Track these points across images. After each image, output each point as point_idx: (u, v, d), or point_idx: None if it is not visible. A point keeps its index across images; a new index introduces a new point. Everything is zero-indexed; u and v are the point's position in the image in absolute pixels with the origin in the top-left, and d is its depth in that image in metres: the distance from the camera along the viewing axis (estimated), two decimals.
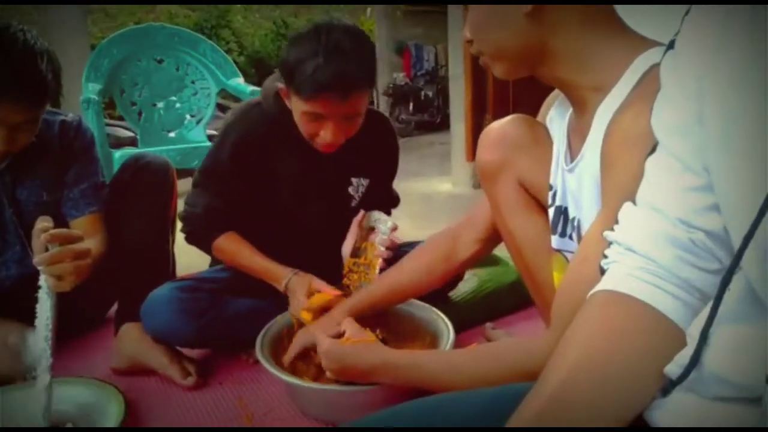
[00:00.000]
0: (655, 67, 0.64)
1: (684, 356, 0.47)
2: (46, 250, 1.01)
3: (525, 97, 3.21)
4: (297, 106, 1.20)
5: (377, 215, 1.33)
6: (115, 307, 1.52)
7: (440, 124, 7.39)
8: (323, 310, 1.20)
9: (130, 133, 4.22)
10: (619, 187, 0.64)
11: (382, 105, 7.55)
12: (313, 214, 1.38)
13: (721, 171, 0.45)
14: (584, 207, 0.75)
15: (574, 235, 0.79)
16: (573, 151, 0.78)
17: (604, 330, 0.50)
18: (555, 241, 0.83)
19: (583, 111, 0.75)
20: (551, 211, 0.84)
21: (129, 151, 2.57)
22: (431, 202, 3.16)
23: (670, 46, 0.52)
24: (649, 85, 0.65)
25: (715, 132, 0.44)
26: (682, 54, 0.49)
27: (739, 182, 0.43)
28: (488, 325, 1.44)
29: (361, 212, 1.33)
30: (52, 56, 1.16)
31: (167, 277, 1.40)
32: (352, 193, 1.42)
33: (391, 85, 7.65)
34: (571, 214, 0.79)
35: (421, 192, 3.51)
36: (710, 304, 0.46)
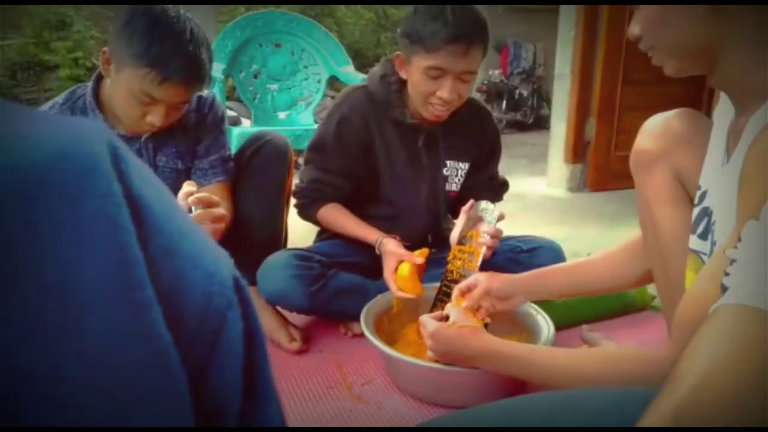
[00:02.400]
0: None
1: None
2: (190, 211, 1.12)
3: (632, 102, 3.11)
4: (419, 65, 1.29)
5: (484, 205, 1.36)
6: None
7: (532, 124, 7.22)
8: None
9: (233, 113, 4.47)
10: (753, 206, 0.62)
11: None
12: (408, 193, 1.47)
13: None
14: (721, 213, 0.75)
15: (710, 238, 0.79)
16: (729, 153, 0.77)
17: (735, 339, 0.50)
18: (693, 241, 0.83)
19: (741, 114, 0.74)
20: (695, 211, 0.83)
21: (247, 129, 2.74)
22: (524, 202, 3.13)
23: None
24: None
25: None
26: None
27: None
28: (585, 327, 1.42)
29: (470, 201, 1.37)
30: (209, 44, 1.29)
31: (279, 248, 1.50)
32: (447, 174, 1.49)
33: (485, 82, 7.53)
34: (713, 217, 0.78)
35: (513, 191, 3.47)
36: None
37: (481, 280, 1.16)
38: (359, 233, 1.43)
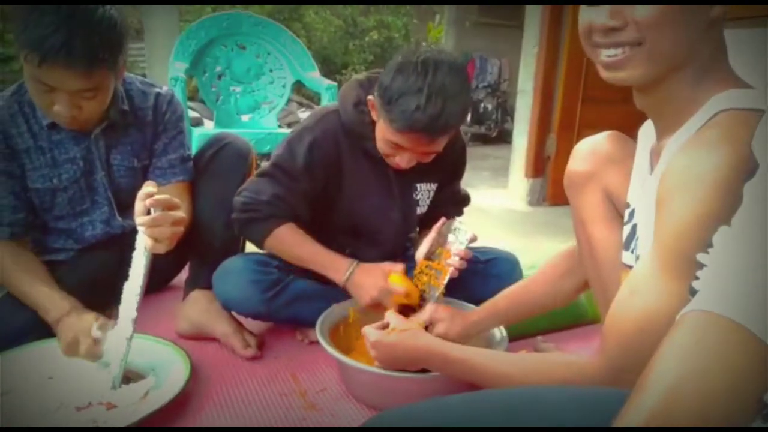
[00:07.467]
0: (725, 111, 0.65)
1: None
2: (148, 213, 1.09)
3: (591, 120, 3.20)
4: (383, 130, 1.24)
5: (457, 224, 1.33)
6: (181, 275, 1.61)
7: (496, 138, 7.34)
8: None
9: (196, 114, 4.40)
10: (668, 229, 0.64)
11: None
12: (377, 220, 1.42)
13: None
14: (642, 229, 0.77)
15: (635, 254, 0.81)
16: (651, 172, 0.80)
17: (704, 349, 0.49)
18: (627, 256, 0.85)
19: (660, 138, 0.76)
20: (626, 228, 0.85)
21: (207, 130, 2.69)
22: (485, 214, 3.17)
23: None
24: (711, 128, 0.65)
25: None
26: None
27: None
28: (539, 338, 1.45)
29: (442, 219, 1.34)
30: (115, 28, 1.17)
31: (237, 252, 1.47)
32: (417, 198, 1.46)
33: None
34: (637, 232, 0.81)
35: (475, 203, 3.51)
36: None
37: (439, 330, 1.17)
38: (326, 258, 1.31)
